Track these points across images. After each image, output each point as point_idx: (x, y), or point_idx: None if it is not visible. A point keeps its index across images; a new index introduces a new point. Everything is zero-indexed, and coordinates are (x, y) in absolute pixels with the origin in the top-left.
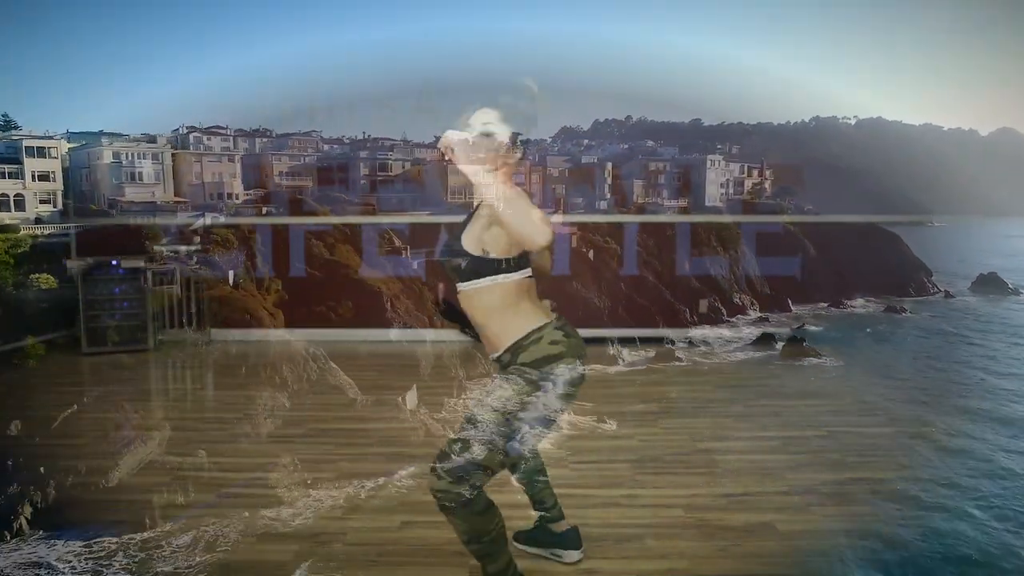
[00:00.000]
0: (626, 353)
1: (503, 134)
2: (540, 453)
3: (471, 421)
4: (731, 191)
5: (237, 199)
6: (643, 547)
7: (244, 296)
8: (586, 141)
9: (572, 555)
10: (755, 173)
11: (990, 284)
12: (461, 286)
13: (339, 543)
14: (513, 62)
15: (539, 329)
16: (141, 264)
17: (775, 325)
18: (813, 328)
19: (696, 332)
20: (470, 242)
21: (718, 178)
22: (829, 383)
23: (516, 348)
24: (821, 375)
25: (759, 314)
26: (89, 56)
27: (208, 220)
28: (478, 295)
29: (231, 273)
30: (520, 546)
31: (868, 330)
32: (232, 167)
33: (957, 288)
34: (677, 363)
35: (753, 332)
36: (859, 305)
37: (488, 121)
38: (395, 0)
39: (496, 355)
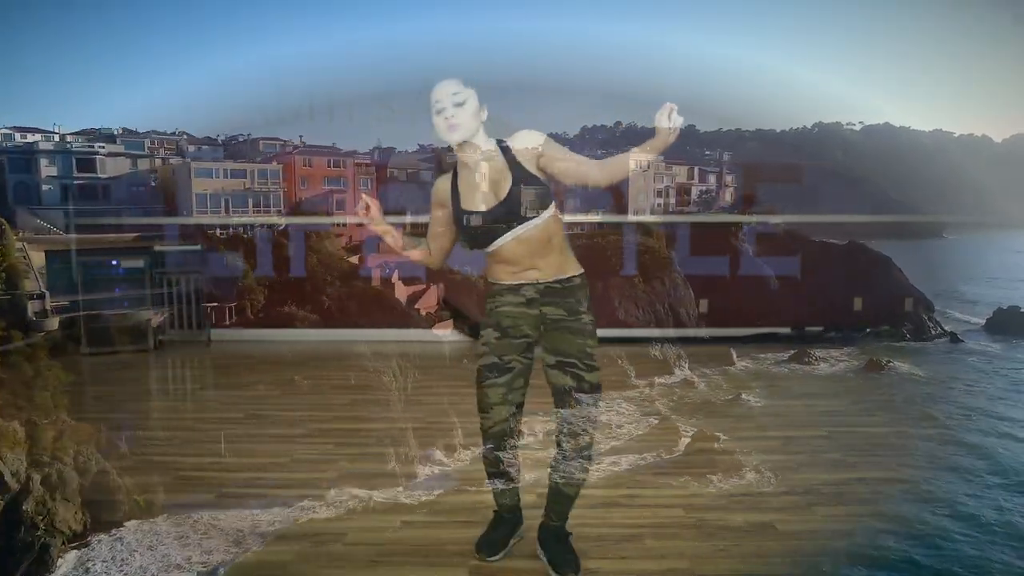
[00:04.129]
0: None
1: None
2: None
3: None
4: (673, 200)
5: None
6: (643, 547)
7: None
8: (568, 148)
9: None
10: (711, 178)
11: (1011, 322)
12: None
13: (339, 543)
14: (499, 64)
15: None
16: (141, 264)
17: (702, 396)
18: (754, 403)
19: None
20: None
21: (650, 185)
22: None
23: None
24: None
25: (686, 373)
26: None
27: None
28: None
29: None
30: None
31: (830, 410)
32: None
33: (967, 326)
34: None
35: (665, 404)
36: (833, 358)
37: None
38: (379, 1)
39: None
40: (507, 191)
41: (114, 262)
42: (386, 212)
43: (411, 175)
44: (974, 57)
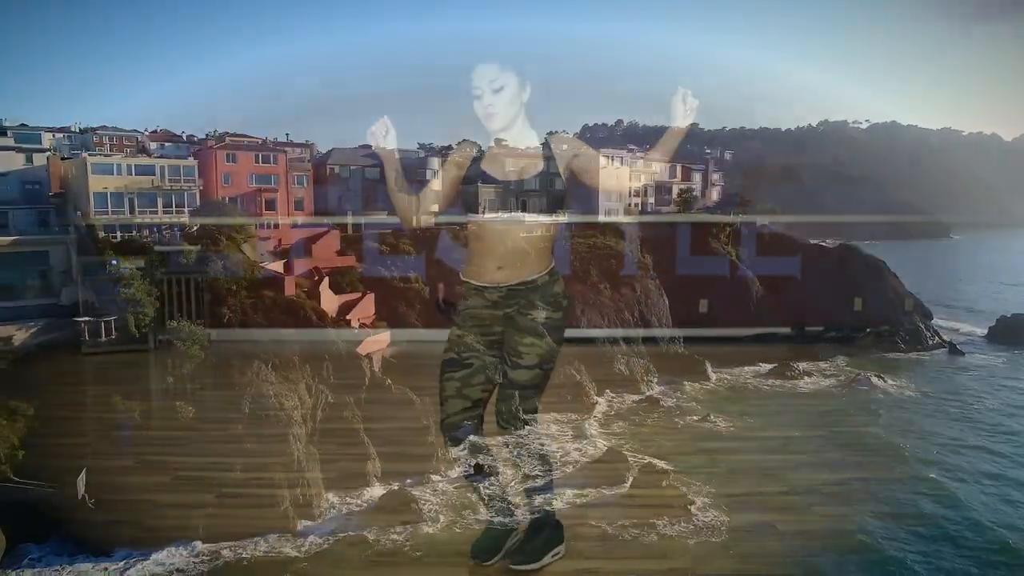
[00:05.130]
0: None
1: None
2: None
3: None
4: (652, 199)
5: None
6: (643, 547)
7: None
8: (564, 147)
9: None
10: (697, 176)
11: (1016, 332)
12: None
13: (339, 543)
14: (499, 64)
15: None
16: (141, 265)
17: (669, 413)
18: (721, 426)
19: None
20: None
21: (623, 183)
22: None
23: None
24: None
25: (654, 391)
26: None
27: None
28: None
29: None
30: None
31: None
32: None
33: (968, 334)
34: None
35: (623, 427)
36: (819, 371)
37: (494, 77)
38: (376, 4)
39: None
40: (533, 176)
41: (114, 262)
42: (326, 211)
43: (354, 172)
44: (979, 56)
